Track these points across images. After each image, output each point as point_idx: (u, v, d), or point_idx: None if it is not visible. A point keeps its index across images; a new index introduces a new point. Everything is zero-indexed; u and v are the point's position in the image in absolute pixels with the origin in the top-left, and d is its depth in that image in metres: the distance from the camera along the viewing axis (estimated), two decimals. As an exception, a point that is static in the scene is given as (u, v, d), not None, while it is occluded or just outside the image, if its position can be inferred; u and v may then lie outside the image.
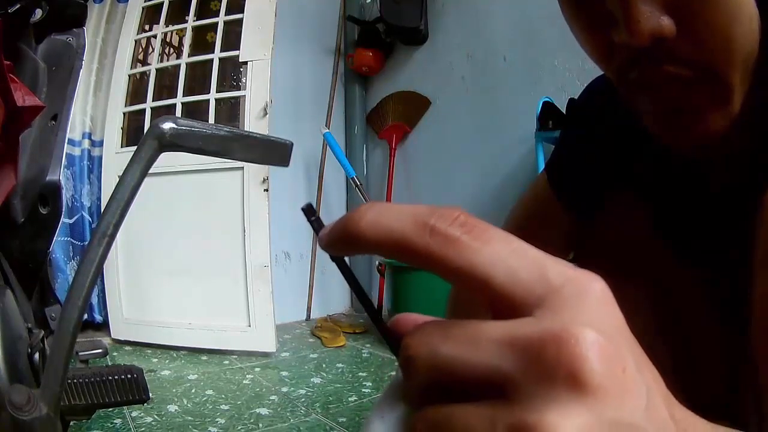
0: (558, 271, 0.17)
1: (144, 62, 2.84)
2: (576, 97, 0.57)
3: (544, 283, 0.17)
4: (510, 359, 0.16)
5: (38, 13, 0.94)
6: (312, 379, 2.05)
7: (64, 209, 0.99)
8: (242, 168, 2.36)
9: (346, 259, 0.22)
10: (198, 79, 2.70)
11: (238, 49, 2.46)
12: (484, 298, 0.18)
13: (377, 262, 2.79)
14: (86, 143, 2.60)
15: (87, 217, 2.58)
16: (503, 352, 0.16)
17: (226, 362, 2.27)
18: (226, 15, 2.51)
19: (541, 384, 0.16)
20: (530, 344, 0.16)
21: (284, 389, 1.94)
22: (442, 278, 0.18)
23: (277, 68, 2.54)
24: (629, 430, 0.16)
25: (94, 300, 2.55)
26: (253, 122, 2.39)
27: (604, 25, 0.33)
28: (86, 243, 2.46)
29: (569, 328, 0.16)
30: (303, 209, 0.23)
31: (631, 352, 0.17)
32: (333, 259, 0.22)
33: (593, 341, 0.16)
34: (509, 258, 0.17)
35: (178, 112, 2.49)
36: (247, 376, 2.09)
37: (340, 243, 0.20)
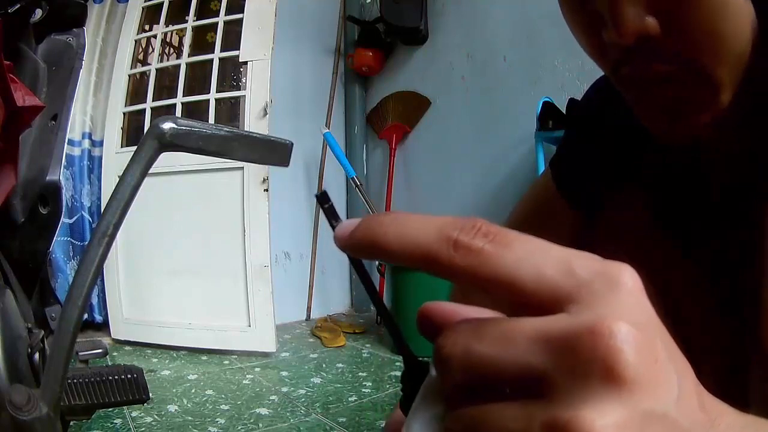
0: (585, 264, 0.17)
1: (144, 62, 2.84)
2: (576, 97, 0.57)
3: (572, 279, 0.17)
4: (544, 356, 0.16)
5: (38, 13, 0.94)
6: (312, 379, 2.05)
7: (64, 209, 0.99)
8: (242, 168, 2.36)
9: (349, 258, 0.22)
10: (198, 79, 2.70)
11: (238, 49, 2.46)
12: (514, 302, 0.18)
13: (377, 263, 2.79)
14: (86, 143, 2.60)
15: (87, 217, 2.58)
16: (537, 348, 0.16)
17: (226, 362, 2.27)
18: (226, 15, 2.51)
19: (576, 379, 0.16)
20: (564, 339, 0.16)
21: (284, 389, 1.94)
22: (472, 288, 0.18)
23: (277, 68, 2.54)
24: (661, 421, 0.16)
25: (94, 300, 2.55)
26: (253, 122, 2.39)
27: (597, 25, 0.34)
28: (86, 243, 2.46)
29: (602, 322, 0.16)
30: (317, 196, 0.23)
31: (662, 341, 0.17)
32: (351, 259, 0.22)
33: (627, 333, 0.16)
34: (533, 258, 0.17)
35: (178, 112, 2.49)
36: (247, 376, 2.09)
37: (364, 250, 0.20)
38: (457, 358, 0.18)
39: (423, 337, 0.22)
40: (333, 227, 0.21)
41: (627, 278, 0.17)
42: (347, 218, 0.21)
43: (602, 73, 0.51)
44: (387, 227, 0.19)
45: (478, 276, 0.18)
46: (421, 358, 0.22)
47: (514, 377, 0.17)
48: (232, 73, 2.87)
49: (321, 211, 0.23)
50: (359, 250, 0.20)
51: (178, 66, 2.57)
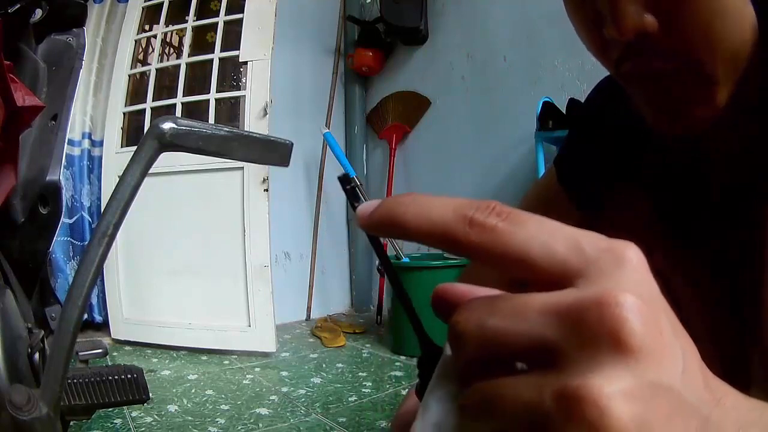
0: (592, 242, 0.18)
1: (144, 62, 2.84)
2: (576, 97, 0.57)
3: (580, 256, 0.18)
4: (554, 327, 0.17)
5: (38, 13, 0.94)
6: (312, 379, 2.05)
7: (64, 209, 0.99)
8: (242, 168, 2.36)
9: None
10: (198, 79, 2.70)
11: (238, 49, 2.46)
12: (525, 278, 0.19)
13: (377, 263, 2.79)
14: (86, 143, 2.60)
15: (87, 217, 2.58)
16: (547, 320, 0.17)
17: (226, 362, 2.27)
18: (226, 15, 2.51)
19: (585, 349, 0.16)
20: (573, 310, 0.17)
21: (284, 389, 1.94)
22: (485, 265, 0.19)
23: (277, 68, 2.54)
24: (667, 393, 0.17)
25: (94, 300, 2.55)
26: (253, 122, 2.39)
27: (598, 22, 0.35)
28: (86, 243, 2.46)
29: (609, 293, 0.16)
30: (339, 178, 0.24)
31: (666, 316, 0.18)
32: (369, 237, 0.23)
33: (633, 304, 0.16)
34: (543, 236, 0.18)
35: (178, 112, 2.49)
36: (247, 376, 2.09)
37: (384, 227, 0.21)
38: (470, 333, 0.18)
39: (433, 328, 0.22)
40: (354, 208, 0.22)
41: (632, 255, 0.18)
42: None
43: (603, 74, 0.51)
44: (407, 207, 0.20)
45: (491, 252, 0.18)
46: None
47: (525, 349, 0.17)
48: (232, 73, 2.87)
49: (344, 193, 0.24)
50: (380, 228, 0.21)
51: (178, 66, 2.57)
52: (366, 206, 0.21)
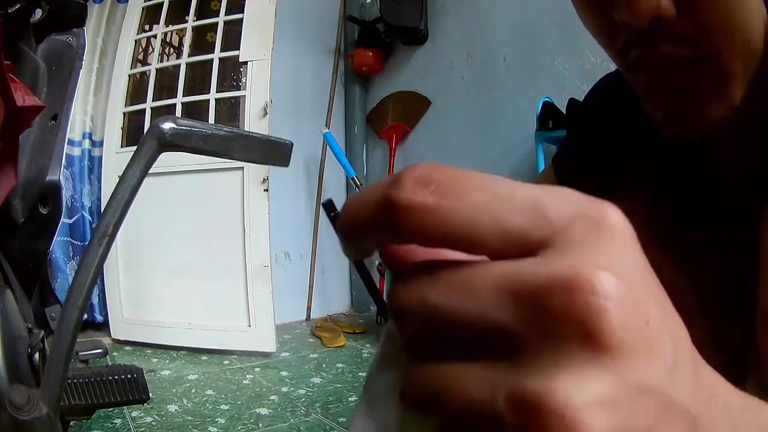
0: (559, 206, 0.15)
1: (144, 62, 2.84)
2: (576, 97, 0.57)
3: (543, 224, 0.14)
4: (511, 310, 0.14)
5: (38, 13, 0.94)
6: (312, 379, 2.05)
7: (64, 209, 0.99)
8: (242, 168, 2.36)
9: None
10: (198, 79, 2.70)
11: (238, 49, 2.46)
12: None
13: (377, 263, 2.79)
14: (86, 143, 2.60)
15: (87, 217, 2.58)
16: (502, 300, 0.14)
17: (226, 362, 2.27)
18: (226, 15, 2.52)
19: (549, 341, 0.13)
20: (534, 292, 0.13)
21: (284, 389, 1.94)
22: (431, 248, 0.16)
23: (277, 68, 2.54)
24: (653, 396, 0.14)
25: (94, 300, 2.55)
26: (253, 122, 2.39)
27: (607, 4, 0.33)
28: (86, 243, 2.46)
29: (581, 272, 0.13)
30: (323, 204, 0.23)
31: (654, 299, 0.15)
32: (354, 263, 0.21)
33: (612, 287, 0.13)
34: (492, 206, 0.14)
35: (178, 112, 2.49)
36: (247, 376, 2.09)
37: (344, 246, 0.18)
38: (411, 309, 0.15)
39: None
40: (339, 234, 0.21)
41: (613, 220, 0.14)
42: None
43: (603, 73, 0.51)
44: (341, 214, 0.17)
45: (429, 237, 0.15)
46: None
47: (477, 333, 0.14)
48: (232, 73, 2.87)
49: (324, 213, 0.22)
50: (345, 246, 0.18)
51: (178, 66, 2.57)
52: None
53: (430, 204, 0.14)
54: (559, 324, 0.13)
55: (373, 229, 0.16)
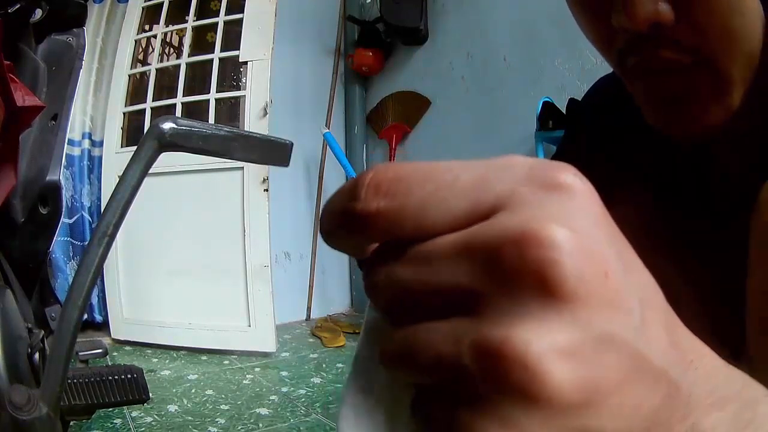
0: (505, 179, 0.15)
1: (144, 62, 2.84)
2: (576, 97, 0.57)
3: (488, 195, 0.15)
4: (468, 270, 0.14)
5: (38, 13, 0.94)
6: (312, 379, 2.05)
7: (64, 209, 0.99)
8: (242, 168, 2.36)
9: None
10: (198, 79, 2.70)
11: (238, 49, 2.46)
12: None
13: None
14: (86, 143, 2.60)
15: (87, 217, 2.58)
16: (459, 262, 0.14)
17: (226, 362, 2.27)
18: (226, 15, 2.52)
19: (507, 295, 0.13)
20: (487, 249, 0.14)
21: (284, 389, 1.94)
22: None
23: (277, 68, 2.54)
24: (618, 349, 0.13)
25: (94, 300, 2.55)
26: (253, 122, 2.39)
27: (604, 9, 0.33)
28: (86, 243, 2.46)
29: (531, 225, 0.13)
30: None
31: (615, 254, 0.14)
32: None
33: (563, 238, 0.13)
34: (437, 196, 0.15)
35: (178, 112, 2.49)
36: (247, 376, 2.09)
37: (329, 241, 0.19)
38: (381, 285, 0.16)
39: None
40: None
41: (567, 180, 0.15)
42: None
43: (603, 73, 0.51)
44: (321, 217, 0.18)
45: (388, 236, 0.16)
46: None
47: (441, 297, 0.15)
48: (232, 73, 2.87)
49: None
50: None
51: (178, 66, 2.58)
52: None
53: (382, 208, 0.15)
54: (514, 277, 0.13)
55: (344, 235, 0.17)
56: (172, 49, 3.01)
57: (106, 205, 0.58)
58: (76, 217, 2.55)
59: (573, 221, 0.14)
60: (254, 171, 2.36)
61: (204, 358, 2.33)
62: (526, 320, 0.13)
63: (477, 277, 0.14)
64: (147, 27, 2.73)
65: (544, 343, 0.13)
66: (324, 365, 2.24)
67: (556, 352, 0.13)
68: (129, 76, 2.62)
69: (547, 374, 0.12)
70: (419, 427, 0.16)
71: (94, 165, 2.62)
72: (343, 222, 0.17)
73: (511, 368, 0.13)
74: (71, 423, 0.97)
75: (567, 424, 0.13)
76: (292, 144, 0.73)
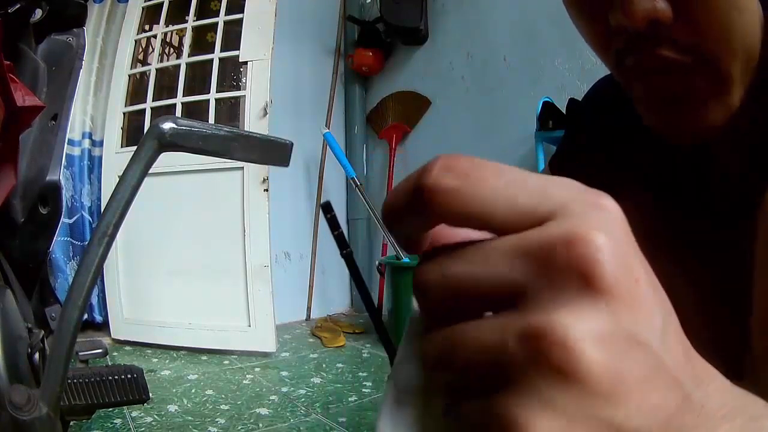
0: (562, 190, 0.17)
1: (144, 62, 2.84)
2: (576, 97, 0.57)
3: (547, 203, 0.16)
4: (519, 267, 0.16)
5: (38, 13, 0.94)
6: (312, 379, 2.05)
7: (64, 209, 0.99)
8: (242, 168, 2.36)
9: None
10: (198, 79, 2.70)
11: (238, 49, 2.46)
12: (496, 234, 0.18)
13: (377, 263, 2.79)
14: (86, 143, 2.60)
15: (87, 217, 2.58)
16: (512, 260, 0.16)
17: (226, 362, 2.27)
18: (226, 15, 2.51)
19: (551, 288, 0.15)
20: (539, 249, 0.16)
21: (284, 389, 1.94)
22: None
23: (277, 68, 2.53)
24: (645, 351, 0.15)
25: (94, 300, 2.55)
26: (253, 122, 2.39)
27: (602, 9, 0.33)
28: (86, 243, 2.46)
29: (578, 230, 0.15)
30: (322, 206, 0.24)
31: (645, 269, 0.16)
32: (347, 263, 0.23)
33: (604, 243, 0.15)
34: (507, 189, 0.17)
35: (178, 112, 2.49)
36: (247, 376, 2.09)
37: (386, 220, 0.20)
38: (432, 281, 0.17)
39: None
40: (334, 235, 0.22)
41: (607, 202, 0.17)
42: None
43: (603, 73, 0.51)
44: (384, 204, 0.19)
45: (453, 215, 0.17)
46: None
47: (491, 293, 0.16)
48: (232, 73, 2.87)
49: (322, 214, 0.24)
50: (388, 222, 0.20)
51: (178, 66, 2.57)
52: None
53: (454, 186, 0.17)
54: (560, 272, 0.15)
55: (407, 211, 0.18)
56: (172, 49, 3.01)
57: (106, 205, 0.58)
58: (76, 217, 2.55)
59: (612, 233, 0.16)
60: (254, 171, 2.36)
61: (204, 358, 2.33)
62: (568, 309, 0.15)
63: (527, 272, 0.15)
64: (147, 27, 2.72)
65: (582, 327, 0.14)
66: (324, 365, 2.24)
67: (591, 337, 0.14)
68: (129, 76, 2.62)
69: (583, 354, 0.14)
70: (450, 428, 0.17)
71: (94, 165, 2.62)
72: (410, 196, 0.18)
73: (551, 348, 0.14)
74: (71, 423, 0.97)
75: (596, 413, 0.14)
76: (292, 144, 0.73)
